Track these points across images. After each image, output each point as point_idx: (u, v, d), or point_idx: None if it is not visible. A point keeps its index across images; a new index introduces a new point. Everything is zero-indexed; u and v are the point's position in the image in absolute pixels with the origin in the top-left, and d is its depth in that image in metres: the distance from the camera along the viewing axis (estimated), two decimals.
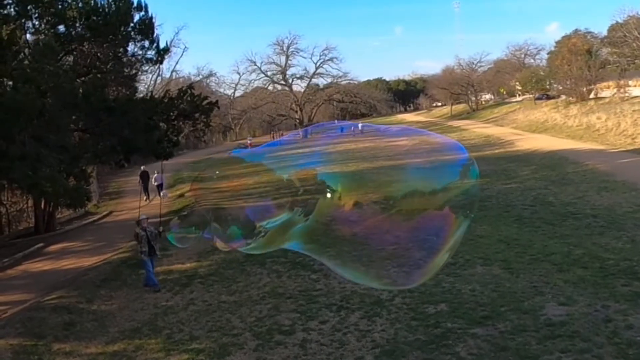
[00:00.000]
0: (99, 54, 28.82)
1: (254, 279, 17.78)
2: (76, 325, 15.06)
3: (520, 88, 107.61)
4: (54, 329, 14.77)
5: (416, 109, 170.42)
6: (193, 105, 29.75)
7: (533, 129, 64.53)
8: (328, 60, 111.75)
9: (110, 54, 29.12)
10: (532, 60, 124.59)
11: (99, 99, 25.02)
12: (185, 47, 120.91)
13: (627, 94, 63.06)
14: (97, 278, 19.56)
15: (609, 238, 18.58)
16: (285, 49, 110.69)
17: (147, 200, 39.02)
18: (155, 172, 39.97)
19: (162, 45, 30.40)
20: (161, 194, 36.24)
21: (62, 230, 31.03)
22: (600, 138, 48.18)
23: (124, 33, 28.26)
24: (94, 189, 38.37)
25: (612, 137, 47.17)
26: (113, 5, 27.22)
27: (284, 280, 17.27)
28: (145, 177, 39.71)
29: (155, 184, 39.57)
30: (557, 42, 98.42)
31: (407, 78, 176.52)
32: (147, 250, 17.47)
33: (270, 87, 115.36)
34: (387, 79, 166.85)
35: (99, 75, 28.10)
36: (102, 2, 27.05)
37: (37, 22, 26.23)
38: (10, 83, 21.22)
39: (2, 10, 23.99)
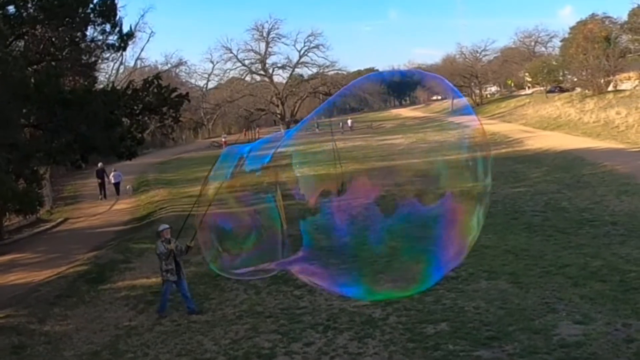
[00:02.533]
0: (53, 39, 28.59)
1: (229, 295, 17.70)
2: (26, 348, 14.91)
3: (530, 80, 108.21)
4: (1, 353, 14.63)
5: (413, 103, 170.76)
6: (160, 98, 29.54)
7: (544, 126, 64.90)
8: (313, 47, 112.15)
9: (67, 38, 28.89)
10: (543, 49, 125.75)
11: (54, 90, 24.79)
12: (152, 32, 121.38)
13: None
14: (50, 295, 19.38)
15: (630, 248, 18.69)
16: (265, 34, 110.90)
17: (102, 198, 40.10)
18: (113, 169, 40.73)
19: (125, 29, 30.17)
20: (125, 189, 36.80)
21: (9, 240, 30.77)
22: (620, 136, 48.50)
23: (82, 15, 28.04)
24: (46, 192, 38.15)
25: (633, 134, 47.50)
26: None
27: (264, 297, 17.20)
28: (101, 175, 42.08)
29: (113, 182, 40.72)
30: (571, 28, 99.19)
31: (402, 68, 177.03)
32: (174, 268, 16.28)
33: (247, 78, 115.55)
34: (380, 69, 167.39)
35: (53, 63, 27.88)
36: None
37: None
38: None
39: None
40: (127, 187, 44.31)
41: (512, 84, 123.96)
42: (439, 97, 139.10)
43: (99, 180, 42.56)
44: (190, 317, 16.04)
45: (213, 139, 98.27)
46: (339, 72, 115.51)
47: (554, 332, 12.88)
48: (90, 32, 29.58)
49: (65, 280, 21.08)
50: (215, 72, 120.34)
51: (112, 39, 29.96)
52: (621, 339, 12.22)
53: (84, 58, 31.27)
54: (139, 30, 79.15)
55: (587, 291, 15.18)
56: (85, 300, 18.60)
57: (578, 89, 79.05)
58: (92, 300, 18.59)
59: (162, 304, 16.60)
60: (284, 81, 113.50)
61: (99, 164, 41.48)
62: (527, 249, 19.72)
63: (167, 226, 16.91)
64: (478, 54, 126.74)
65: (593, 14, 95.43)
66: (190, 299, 16.56)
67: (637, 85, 65.29)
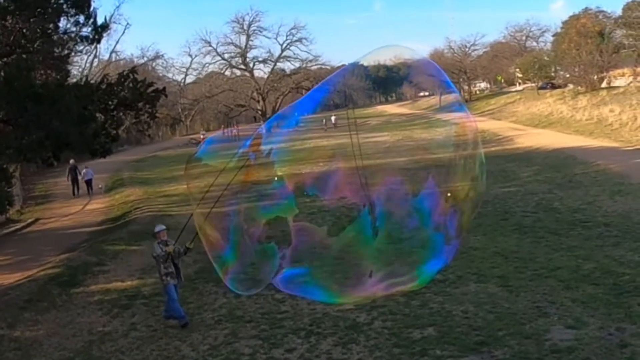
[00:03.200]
0: (24, 31, 28.38)
1: (207, 299, 17.66)
2: None
3: (520, 76, 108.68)
4: None
5: (399, 100, 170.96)
6: (136, 93, 29.39)
7: (535, 123, 65.25)
8: (296, 41, 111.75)
9: (38, 30, 28.68)
10: (534, 44, 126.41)
11: (24, 84, 24.61)
12: (128, 23, 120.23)
13: None
14: (20, 299, 19.27)
15: (624, 250, 18.81)
16: (245, 27, 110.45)
17: (76, 195, 40.42)
18: (85, 166, 40.94)
19: (100, 21, 29.90)
20: (97, 188, 36.94)
21: None
22: (614, 134, 48.84)
23: (55, 6, 27.86)
24: (16, 191, 37.89)
25: (627, 132, 47.84)
26: None
27: (243, 301, 17.14)
28: (74, 172, 42.78)
29: (85, 179, 41.11)
30: (563, 23, 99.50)
31: (388, 63, 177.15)
32: (174, 271, 15.82)
33: (227, 73, 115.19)
34: (365, 64, 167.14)
35: (24, 56, 27.68)
36: None
37: None
38: None
39: None
40: (100, 185, 44.27)
41: (502, 80, 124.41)
42: (427, 94, 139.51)
43: (71, 177, 43.11)
44: (168, 321, 15.96)
45: (191, 136, 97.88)
46: (323, 66, 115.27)
47: (545, 337, 12.93)
48: (63, 23, 29.36)
49: (36, 284, 20.94)
50: (194, 66, 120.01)
51: (86, 30, 29.73)
52: (615, 343, 12.29)
53: (57, 51, 31.06)
54: (114, 22, 78.74)
55: (580, 294, 15.25)
56: (56, 305, 18.48)
57: (570, 86, 79.49)
58: (64, 304, 18.47)
59: (176, 311, 15.82)
60: (265, 76, 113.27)
61: (71, 161, 41.63)
62: (518, 251, 19.79)
63: (163, 227, 16.26)
64: (467, 49, 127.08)
65: (586, 8, 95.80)
66: (177, 306, 15.89)
67: (631, 82, 65.76)
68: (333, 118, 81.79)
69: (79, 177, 43.26)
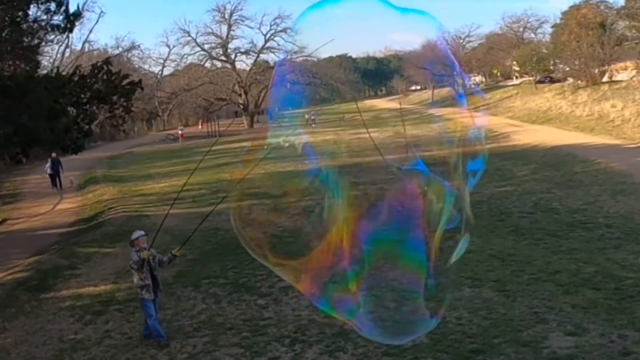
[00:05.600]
0: None
1: (186, 305, 17.61)
2: None
3: (517, 69, 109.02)
4: None
5: (389, 94, 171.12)
6: (110, 86, 29.32)
7: (533, 119, 65.48)
8: (280, 31, 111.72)
9: (7, 18, 28.56)
10: (532, 35, 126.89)
11: None
12: (102, 11, 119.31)
13: None
14: None
15: (626, 253, 18.88)
16: (227, 16, 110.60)
17: (59, 189, 41.06)
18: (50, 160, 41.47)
19: (72, 8, 29.92)
20: (69, 182, 37.22)
21: None
22: (615, 130, 49.03)
23: None
24: None
25: (629, 129, 48.03)
26: None
27: (224, 307, 17.13)
28: (56, 166, 43.79)
29: (49, 172, 41.89)
30: (563, 14, 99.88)
31: (378, 55, 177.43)
32: (151, 284, 14.82)
33: (207, 64, 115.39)
34: (354, 56, 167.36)
35: None
36: None
37: None
38: None
39: None
40: (70, 179, 44.40)
41: (498, 73, 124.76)
42: (418, 87, 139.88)
43: (54, 171, 43.94)
44: (143, 328, 15.88)
45: (168, 132, 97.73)
46: (309, 58, 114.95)
47: (543, 344, 12.96)
48: (33, 11, 29.30)
49: (3, 289, 20.84)
50: (172, 57, 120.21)
51: (57, 19, 29.67)
52: (617, 351, 12.33)
53: (26, 40, 30.93)
54: (87, 10, 78.86)
55: (580, 300, 15.30)
56: (25, 311, 18.39)
57: (570, 80, 79.69)
58: (33, 310, 18.38)
59: (154, 330, 15.13)
60: (248, 68, 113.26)
61: (53, 154, 41.81)
62: (514, 253, 19.83)
63: (142, 233, 15.34)
64: (461, 40, 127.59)
65: None
66: (156, 324, 15.14)
67: (634, 76, 65.96)
68: (312, 113, 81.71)
69: (61, 172, 44.08)
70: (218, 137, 71.11)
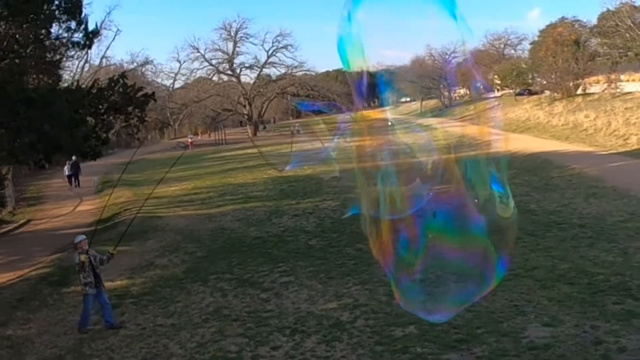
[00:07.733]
0: (17, 36, 28.22)
1: (195, 298, 17.63)
2: None
3: (499, 82, 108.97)
4: None
5: (381, 105, 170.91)
6: (126, 97, 29.31)
7: (513, 128, 65.40)
8: (282, 48, 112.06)
9: (31, 36, 28.53)
10: (512, 51, 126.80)
11: (17, 88, 24.50)
12: (118, 29, 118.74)
13: (618, 90, 64.33)
14: (12, 298, 19.20)
15: (598, 250, 18.90)
16: (232, 34, 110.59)
17: (77, 187, 42.02)
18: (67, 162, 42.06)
19: (91, 27, 29.85)
20: (92, 182, 37.70)
21: None
22: (589, 139, 49.09)
23: (47, 12, 27.73)
24: (9, 193, 37.78)
25: (601, 137, 48.10)
26: None
27: (230, 300, 17.15)
28: (76, 169, 45.64)
29: (67, 173, 42.59)
30: (541, 32, 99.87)
31: (371, 69, 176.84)
32: (93, 280, 15.56)
33: (215, 78, 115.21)
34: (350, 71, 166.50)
35: (16, 61, 27.53)
36: None
37: None
38: None
39: None
40: (94, 179, 44.76)
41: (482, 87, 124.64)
42: (408, 100, 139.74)
43: (73, 172, 45.99)
44: (156, 320, 15.93)
45: (179, 140, 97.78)
46: (308, 72, 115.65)
47: (522, 334, 13.00)
48: (55, 29, 29.27)
49: (28, 283, 20.86)
50: (182, 71, 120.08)
51: (78, 36, 29.65)
52: (589, 341, 12.37)
53: (49, 56, 30.91)
54: (105, 28, 78.73)
55: (555, 294, 15.33)
56: (48, 304, 18.41)
57: (547, 92, 79.85)
58: (55, 303, 18.40)
59: (83, 319, 15.77)
60: (252, 81, 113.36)
61: (73, 157, 42.46)
62: None
63: (83, 237, 16.27)
64: (447, 56, 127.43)
65: (563, 17, 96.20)
66: (109, 312, 15.94)
67: (605, 89, 66.06)
68: (297, 125, 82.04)
69: (79, 173, 45.75)
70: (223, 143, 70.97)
